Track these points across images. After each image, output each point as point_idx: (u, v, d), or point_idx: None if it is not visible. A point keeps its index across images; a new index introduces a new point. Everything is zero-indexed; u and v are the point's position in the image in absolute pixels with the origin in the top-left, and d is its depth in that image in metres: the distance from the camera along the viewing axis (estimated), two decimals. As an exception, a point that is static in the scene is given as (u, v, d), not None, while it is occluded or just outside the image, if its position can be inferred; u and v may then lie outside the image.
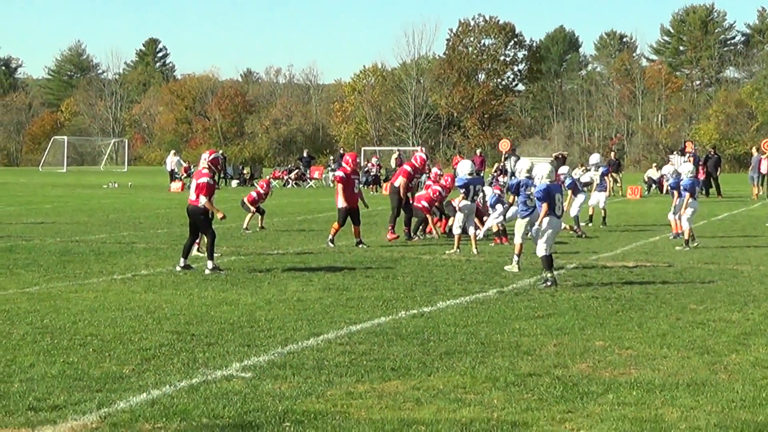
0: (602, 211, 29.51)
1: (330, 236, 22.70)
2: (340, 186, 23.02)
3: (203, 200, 18.00)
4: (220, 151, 69.51)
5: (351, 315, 13.46)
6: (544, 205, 16.90)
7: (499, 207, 24.59)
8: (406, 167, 25.56)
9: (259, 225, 27.14)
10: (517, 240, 18.55)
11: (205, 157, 18.76)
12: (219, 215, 18.21)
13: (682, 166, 25.51)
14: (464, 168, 22.54)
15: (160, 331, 12.24)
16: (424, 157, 27.34)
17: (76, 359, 10.60)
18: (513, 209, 23.98)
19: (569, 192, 26.93)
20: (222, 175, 61.88)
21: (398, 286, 16.41)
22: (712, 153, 52.56)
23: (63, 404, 8.79)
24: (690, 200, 23.32)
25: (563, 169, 26.89)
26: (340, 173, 23.37)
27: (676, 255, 21.50)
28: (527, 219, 18.28)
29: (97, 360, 10.59)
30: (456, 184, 22.80)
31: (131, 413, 8.52)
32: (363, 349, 11.15)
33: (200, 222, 18.28)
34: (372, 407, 8.77)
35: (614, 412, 8.70)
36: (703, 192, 50.57)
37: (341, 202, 22.85)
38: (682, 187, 23.84)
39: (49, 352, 10.97)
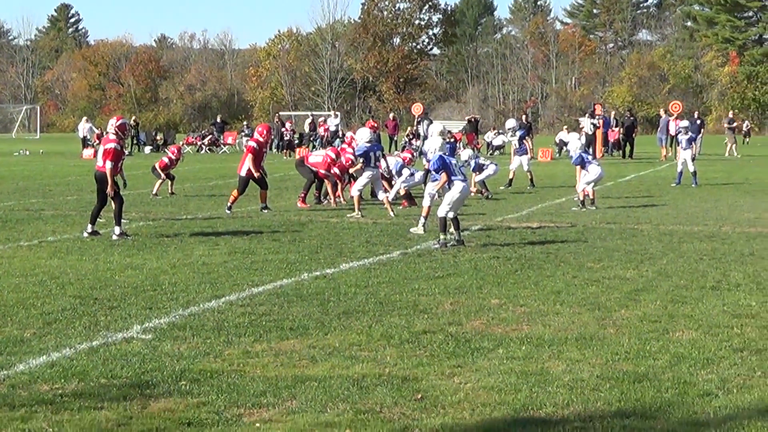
0: (528, 174, 30.00)
1: (228, 203, 22.68)
2: (250, 156, 22.76)
3: (109, 166, 18.00)
4: (133, 118, 69.28)
5: (254, 278, 13.67)
6: (443, 175, 17.26)
7: (405, 171, 24.81)
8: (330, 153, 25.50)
9: (169, 191, 27.19)
10: (425, 203, 18.85)
11: (112, 123, 18.72)
12: (109, 190, 18.04)
13: (570, 143, 26.19)
14: (363, 136, 22.76)
15: (64, 296, 12.35)
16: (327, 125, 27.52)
17: (-22, 324, 10.70)
18: (421, 174, 24.33)
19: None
20: (135, 142, 61.60)
21: (303, 249, 16.63)
22: (629, 116, 53.29)
23: (-38, 367, 8.91)
24: (592, 167, 23.77)
25: (465, 155, 26.95)
26: (252, 144, 23.20)
27: (580, 216, 21.96)
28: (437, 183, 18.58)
29: (-1, 324, 10.70)
30: (356, 152, 22.91)
31: (30, 375, 8.68)
32: (263, 310, 11.38)
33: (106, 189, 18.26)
34: (267, 365, 9.01)
35: (502, 366, 9.03)
36: (612, 153, 51.38)
37: (244, 171, 22.69)
38: (573, 163, 24.58)
39: (-50, 317, 11.05)
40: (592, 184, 23.87)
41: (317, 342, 9.87)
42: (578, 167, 23.99)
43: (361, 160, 22.27)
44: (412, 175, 25.03)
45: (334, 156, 24.86)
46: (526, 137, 32.42)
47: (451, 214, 17.13)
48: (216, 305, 11.72)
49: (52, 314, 11.20)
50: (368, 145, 22.25)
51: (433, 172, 17.78)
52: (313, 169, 24.44)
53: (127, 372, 8.79)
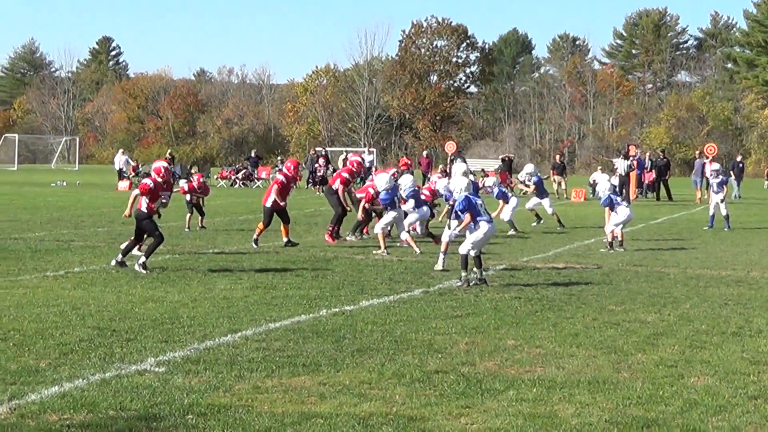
0: (554, 216, 29.91)
1: (254, 237, 22.74)
2: (276, 187, 22.92)
3: (135, 192, 18.49)
4: (169, 151, 69.72)
5: (272, 313, 13.72)
6: (467, 216, 17.36)
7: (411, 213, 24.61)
8: (344, 174, 25.65)
9: (200, 224, 27.33)
10: (444, 238, 18.92)
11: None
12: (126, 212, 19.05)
13: (599, 184, 26.13)
14: (382, 182, 22.96)
15: (83, 326, 12.45)
16: (359, 160, 27.42)
17: (-5, 353, 10.80)
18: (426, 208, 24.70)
19: (500, 201, 27.46)
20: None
21: (325, 285, 16.67)
22: (662, 157, 53.11)
23: (-25, 396, 9.00)
24: (621, 208, 23.68)
25: (489, 181, 27.22)
26: (281, 177, 23.42)
27: (607, 257, 21.88)
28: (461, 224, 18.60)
29: (16, 354, 10.79)
30: (382, 201, 22.89)
31: (41, 405, 8.75)
32: (278, 346, 11.42)
33: (144, 226, 18.46)
34: (276, 401, 9.04)
35: (511, 407, 9.01)
36: (646, 195, 51.20)
37: (270, 202, 22.75)
38: (602, 204, 24.34)
39: (-31, 347, 11.16)
40: (621, 225, 23.80)
41: (328, 379, 9.89)
42: (607, 209, 23.93)
43: (388, 208, 22.45)
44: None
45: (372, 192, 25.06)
46: (546, 179, 32.50)
47: (473, 253, 17.15)
48: (232, 340, 11.78)
49: (69, 345, 11.29)
50: (389, 192, 22.53)
51: (459, 212, 17.81)
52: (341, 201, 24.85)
53: (137, 404, 8.84)
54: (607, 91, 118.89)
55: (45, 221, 29.37)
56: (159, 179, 18.58)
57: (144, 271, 17.68)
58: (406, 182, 23.71)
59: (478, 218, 17.34)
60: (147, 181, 18.66)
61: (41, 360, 10.52)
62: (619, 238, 23.78)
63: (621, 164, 48.65)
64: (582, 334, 12.66)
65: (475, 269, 17.18)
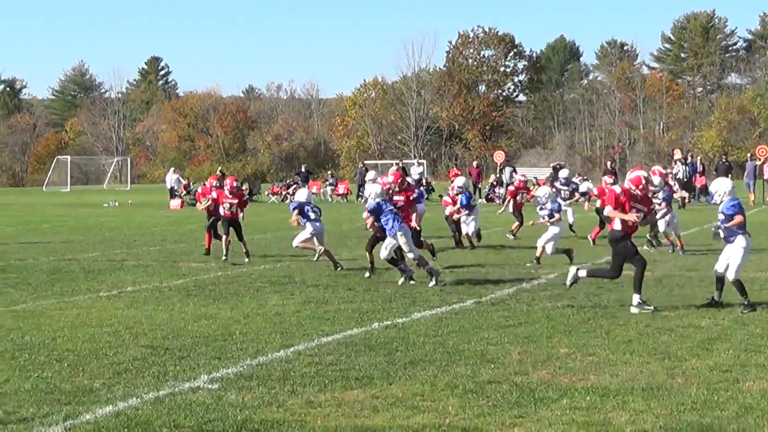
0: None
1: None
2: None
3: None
4: (219, 168, 70.09)
5: (324, 327, 13.75)
6: (371, 219, 19.00)
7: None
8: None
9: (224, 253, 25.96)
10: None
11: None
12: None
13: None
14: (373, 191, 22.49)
15: (136, 345, 12.54)
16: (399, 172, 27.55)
17: (50, 374, 10.89)
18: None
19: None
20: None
21: (377, 298, 16.69)
22: (724, 160, 52.66)
23: (31, 417, 9.08)
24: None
25: (541, 191, 26.19)
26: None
27: (659, 262, 21.73)
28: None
29: (70, 374, 10.88)
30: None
31: (95, 424, 8.82)
32: (330, 360, 11.44)
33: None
34: (329, 415, 9.05)
35: (564, 416, 8.97)
36: (699, 199, 50.80)
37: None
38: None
39: (24, 367, 11.27)
40: (674, 230, 23.77)
41: (381, 392, 9.89)
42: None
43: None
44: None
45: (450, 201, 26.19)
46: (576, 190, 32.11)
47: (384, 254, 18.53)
48: (284, 355, 11.81)
49: (122, 364, 11.37)
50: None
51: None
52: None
53: (190, 422, 8.88)
54: (656, 96, 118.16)
55: (98, 241, 29.62)
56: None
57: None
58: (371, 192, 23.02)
59: (383, 221, 18.58)
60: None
61: (95, 380, 10.60)
62: (678, 244, 23.68)
63: (681, 169, 48.34)
64: (635, 341, 12.58)
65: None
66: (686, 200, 46.06)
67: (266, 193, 64.88)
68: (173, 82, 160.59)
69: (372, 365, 11.16)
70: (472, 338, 12.82)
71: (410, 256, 18.90)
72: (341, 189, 62.66)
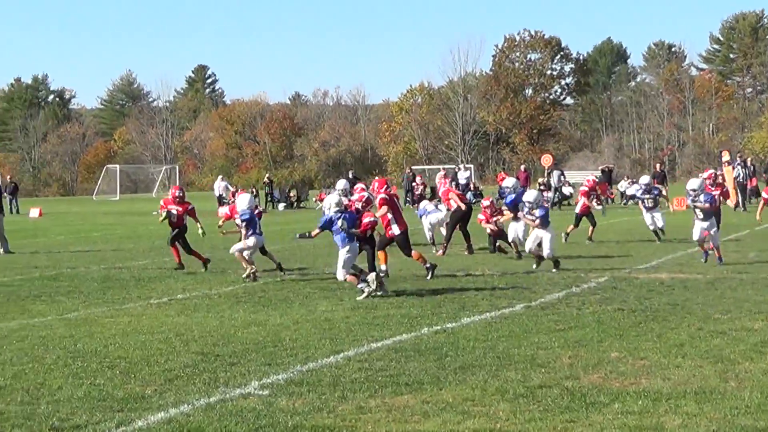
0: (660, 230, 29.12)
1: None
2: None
3: None
4: (267, 175, 70.35)
5: (374, 333, 13.75)
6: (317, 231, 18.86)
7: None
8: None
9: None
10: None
11: None
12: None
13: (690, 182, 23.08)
14: (242, 203, 21.77)
15: (187, 352, 12.61)
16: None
17: (103, 381, 10.97)
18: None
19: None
20: (269, 199, 62.56)
21: (426, 303, 16.67)
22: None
23: (84, 424, 9.15)
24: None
25: (530, 195, 25.43)
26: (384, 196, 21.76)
27: (710, 266, 21.55)
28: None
29: (123, 381, 10.95)
30: (240, 218, 21.66)
31: (147, 431, 8.88)
32: (380, 366, 11.44)
33: None
34: (380, 421, 9.05)
35: (616, 420, 8.91)
36: (750, 201, 50.36)
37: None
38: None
39: (77, 374, 11.36)
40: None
41: (431, 397, 9.88)
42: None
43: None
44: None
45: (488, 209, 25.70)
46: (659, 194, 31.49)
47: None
48: (334, 361, 11.82)
49: (173, 371, 11.43)
50: (249, 212, 21.52)
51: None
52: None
53: (242, 428, 8.91)
54: (705, 97, 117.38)
55: (148, 249, 29.81)
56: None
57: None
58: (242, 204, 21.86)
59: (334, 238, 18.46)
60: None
61: (147, 386, 10.67)
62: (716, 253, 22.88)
63: (740, 171, 47.94)
64: (687, 344, 12.48)
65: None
66: (740, 203, 45.63)
67: (314, 199, 64.98)
68: (220, 90, 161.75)
69: (422, 370, 11.14)
70: (522, 343, 12.77)
71: (337, 274, 18.38)
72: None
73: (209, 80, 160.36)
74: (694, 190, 22.03)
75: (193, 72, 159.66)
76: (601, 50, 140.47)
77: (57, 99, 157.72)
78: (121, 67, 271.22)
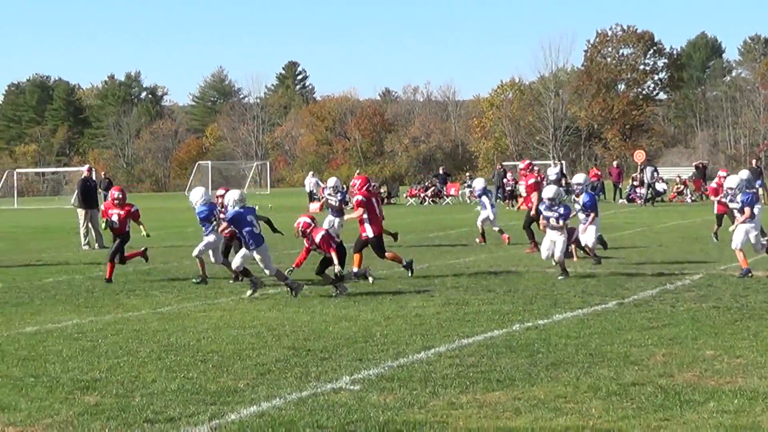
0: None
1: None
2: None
3: None
4: (357, 171, 70.51)
5: (465, 329, 13.71)
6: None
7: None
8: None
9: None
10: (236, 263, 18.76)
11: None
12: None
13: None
14: (196, 196, 20.97)
15: (279, 347, 12.67)
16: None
17: (196, 375, 11.08)
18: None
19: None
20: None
21: (518, 299, 16.59)
22: None
23: (178, 416, 9.24)
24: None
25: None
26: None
27: (807, 263, 21.18)
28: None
29: (215, 375, 11.04)
30: (197, 215, 20.79)
31: (240, 424, 8.93)
32: (471, 362, 11.40)
33: None
34: (471, 417, 9.01)
35: (712, 419, 8.78)
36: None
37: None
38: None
39: (171, 368, 11.47)
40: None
41: (523, 394, 9.82)
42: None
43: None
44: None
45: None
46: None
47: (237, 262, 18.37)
48: (425, 356, 11.81)
49: (266, 365, 11.50)
50: (207, 208, 20.79)
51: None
52: None
53: (333, 422, 8.93)
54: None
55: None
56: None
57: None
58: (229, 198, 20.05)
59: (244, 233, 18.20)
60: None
61: (239, 380, 10.74)
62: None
63: None
64: (784, 343, 12.28)
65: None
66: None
67: (404, 195, 65.09)
68: (310, 87, 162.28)
69: (513, 367, 11.08)
70: (614, 340, 12.65)
71: (266, 272, 18.41)
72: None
73: (300, 77, 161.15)
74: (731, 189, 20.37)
75: (283, 68, 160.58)
76: (695, 45, 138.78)
77: (150, 96, 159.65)
78: (213, 64, 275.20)
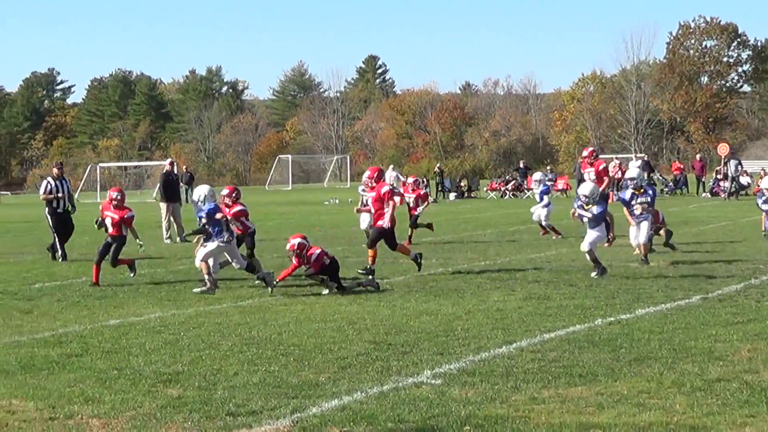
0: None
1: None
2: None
3: None
4: (438, 165, 70.47)
5: (547, 323, 13.63)
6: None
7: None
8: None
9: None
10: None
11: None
12: None
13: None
14: (201, 193, 19.09)
15: (360, 341, 12.69)
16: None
17: (277, 368, 11.12)
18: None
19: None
20: (440, 189, 62.70)
21: (600, 294, 16.44)
22: None
23: (260, 409, 9.28)
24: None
25: (537, 176, 26.44)
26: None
27: None
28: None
29: (297, 368, 11.08)
30: (198, 216, 19.05)
31: (321, 417, 8.95)
32: (553, 356, 11.33)
33: None
34: (553, 412, 8.95)
35: (799, 416, 8.65)
36: None
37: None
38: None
39: (252, 361, 11.53)
40: None
41: (605, 389, 9.73)
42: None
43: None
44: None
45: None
46: None
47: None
48: (506, 351, 11.76)
49: (346, 359, 11.51)
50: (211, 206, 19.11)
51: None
52: None
53: (414, 416, 8.92)
54: None
55: (320, 238, 30.05)
56: None
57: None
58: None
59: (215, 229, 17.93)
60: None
61: (320, 374, 10.77)
62: None
63: None
64: None
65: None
66: None
67: (485, 189, 64.94)
68: (390, 80, 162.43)
69: (596, 362, 10.99)
70: (699, 335, 12.49)
71: (236, 266, 18.32)
72: (560, 184, 62.11)
73: (380, 70, 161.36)
74: None
75: (363, 62, 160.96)
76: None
77: (230, 90, 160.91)
78: (293, 58, 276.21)
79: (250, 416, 9.09)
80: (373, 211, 20.36)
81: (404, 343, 12.46)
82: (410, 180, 29.97)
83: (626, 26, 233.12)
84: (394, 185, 58.00)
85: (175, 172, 34.66)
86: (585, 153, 26.90)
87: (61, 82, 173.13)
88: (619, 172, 57.37)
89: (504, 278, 18.95)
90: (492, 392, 9.71)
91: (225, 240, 18.17)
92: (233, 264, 18.59)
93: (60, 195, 25.63)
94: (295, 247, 17.94)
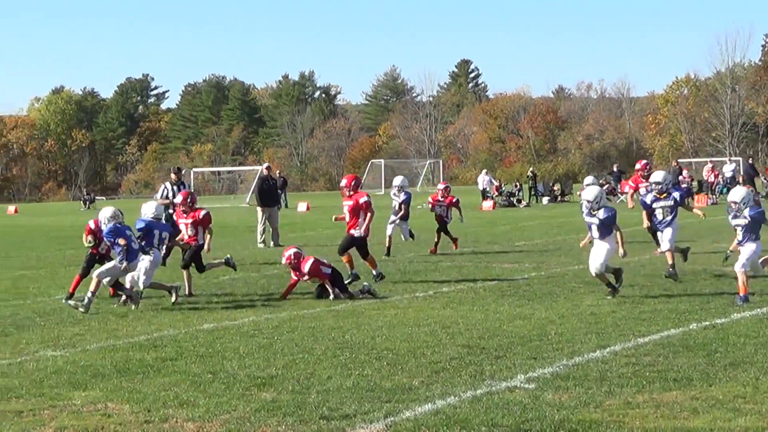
0: None
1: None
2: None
3: None
4: (530, 169, 70.24)
5: (641, 328, 13.55)
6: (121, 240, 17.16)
7: None
8: None
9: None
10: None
11: None
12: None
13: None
14: (148, 210, 18.40)
15: (453, 345, 12.73)
16: None
17: (371, 372, 11.20)
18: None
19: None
20: (533, 192, 62.48)
21: (694, 298, 16.30)
22: None
23: (353, 413, 9.36)
24: None
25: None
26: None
27: None
28: None
29: (390, 373, 11.15)
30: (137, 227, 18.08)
31: (415, 422, 9.01)
32: (648, 361, 11.28)
33: None
34: (648, 416, 8.92)
35: None
36: None
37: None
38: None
39: (346, 365, 11.63)
40: None
41: (700, 393, 9.67)
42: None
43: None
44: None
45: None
46: None
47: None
48: (600, 355, 11.72)
49: (440, 363, 11.56)
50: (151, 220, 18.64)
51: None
52: None
53: (508, 420, 8.94)
54: None
55: (413, 243, 30.09)
56: None
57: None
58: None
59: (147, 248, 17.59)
60: None
61: (414, 378, 10.82)
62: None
63: None
64: None
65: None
66: None
67: (578, 193, 64.41)
68: (483, 84, 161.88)
69: (691, 366, 10.92)
70: (796, 340, 12.35)
71: (141, 286, 17.66)
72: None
73: (472, 74, 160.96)
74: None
75: (456, 66, 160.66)
76: None
77: (323, 95, 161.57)
78: (386, 63, 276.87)
79: (344, 420, 9.18)
80: (348, 219, 20.15)
81: (497, 347, 12.48)
82: (441, 186, 29.06)
83: (721, 28, 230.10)
84: (487, 189, 58.10)
85: (272, 176, 34.91)
86: (638, 166, 25.91)
87: (155, 87, 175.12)
88: (711, 176, 56.80)
89: (597, 282, 18.77)
90: (586, 397, 9.70)
91: (120, 262, 17.31)
92: (139, 284, 17.72)
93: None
94: (292, 259, 18.10)
